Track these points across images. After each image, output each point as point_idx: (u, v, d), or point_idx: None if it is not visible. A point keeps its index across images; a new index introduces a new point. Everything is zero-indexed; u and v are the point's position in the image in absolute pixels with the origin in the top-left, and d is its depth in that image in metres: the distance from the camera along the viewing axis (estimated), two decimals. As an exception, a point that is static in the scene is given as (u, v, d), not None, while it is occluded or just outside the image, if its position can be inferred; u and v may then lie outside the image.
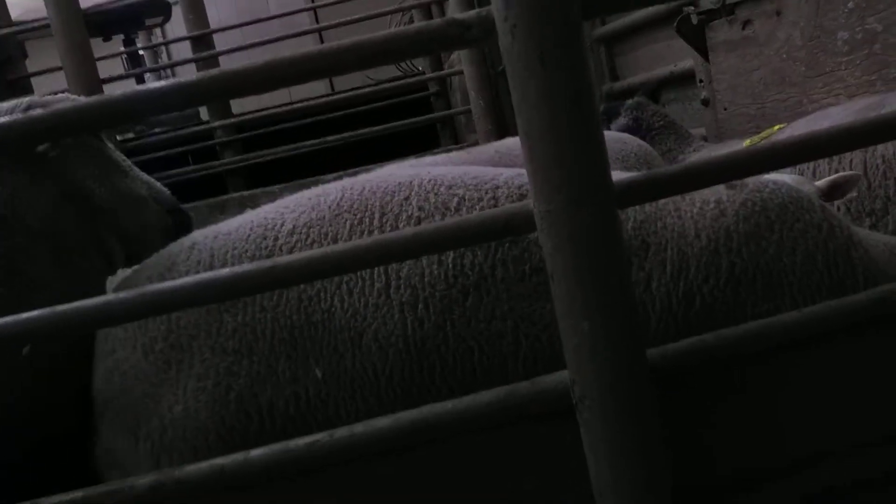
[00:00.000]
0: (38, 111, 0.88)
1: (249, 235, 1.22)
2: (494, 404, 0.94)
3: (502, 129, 4.15)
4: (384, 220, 1.19)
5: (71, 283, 1.34)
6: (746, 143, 2.40)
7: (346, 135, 4.69)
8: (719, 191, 1.17)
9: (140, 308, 0.93)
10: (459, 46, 0.96)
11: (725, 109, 3.01)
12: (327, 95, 5.48)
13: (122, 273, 1.33)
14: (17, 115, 0.88)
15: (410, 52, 0.93)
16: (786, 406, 1.03)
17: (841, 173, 1.54)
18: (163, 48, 7.80)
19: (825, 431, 1.04)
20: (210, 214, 4.00)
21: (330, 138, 4.70)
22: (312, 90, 6.37)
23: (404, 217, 1.19)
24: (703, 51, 3.08)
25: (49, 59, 4.32)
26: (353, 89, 5.33)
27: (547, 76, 0.81)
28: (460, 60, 4.33)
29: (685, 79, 3.50)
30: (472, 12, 0.87)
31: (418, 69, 6.33)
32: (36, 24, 4.50)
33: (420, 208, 1.19)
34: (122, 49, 5.72)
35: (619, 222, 0.87)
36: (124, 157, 1.63)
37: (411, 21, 5.83)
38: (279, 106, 5.06)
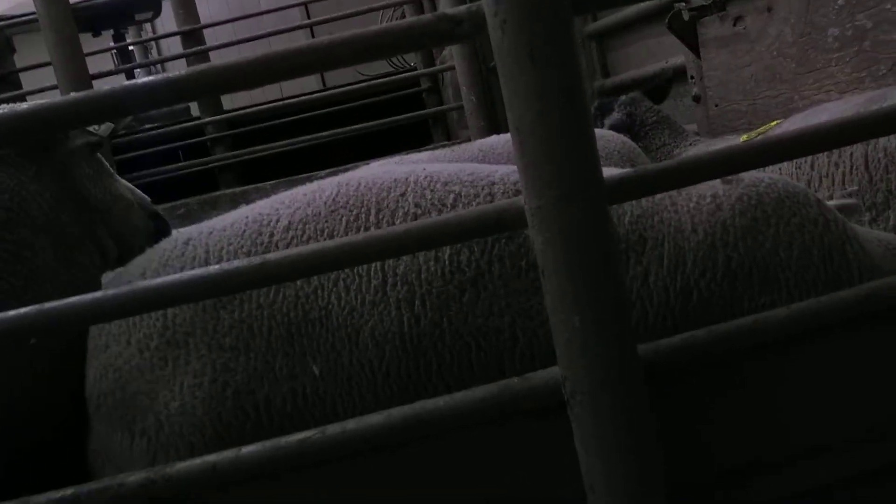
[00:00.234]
0: (22, 106, 0.88)
1: (245, 231, 1.21)
2: (486, 400, 0.94)
3: (494, 125, 4.15)
4: (380, 217, 1.18)
5: (72, 276, 1.35)
6: (743, 138, 2.41)
7: (337, 131, 4.68)
8: (715, 185, 1.18)
9: (130, 305, 0.92)
10: (450, 41, 0.96)
11: (716, 106, 3.02)
12: (319, 91, 5.46)
13: (108, 276, 1.32)
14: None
15: (401, 47, 0.93)
16: (780, 401, 1.03)
17: (841, 201, 1.51)
18: (153, 44, 7.76)
19: (819, 427, 1.04)
20: (201, 211, 3.99)
21: (321, 134, 4.70)
22: (304, 86, 6.35)
23: (401, 213, 1.18)
24: (694, 47, 3.08)
25: (38, 54, 4.29)
26: (344, 85, 5.32)
27: (537, 72, 0.81)
28: (452, 56, 4.32)
29: (676, 75, 3.50)
30: (463, 7, 0.87)
31: (410, 65, 6.32)
32: (24, 19, 4.47)
33: (416, 205, 1.19)
34: (112, 44, 5.69)
35: (609, 218, 0.87)
36: (106, 162, 1.65)
37: (403, 17, 5.82)
38: (270, 102, 5.05)
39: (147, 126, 5.07)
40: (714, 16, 2.90)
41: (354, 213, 1.19)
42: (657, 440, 0.92)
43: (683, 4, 2.99)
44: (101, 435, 1.20)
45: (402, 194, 1.20)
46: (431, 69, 5.27)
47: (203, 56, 4.88)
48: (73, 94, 0.87)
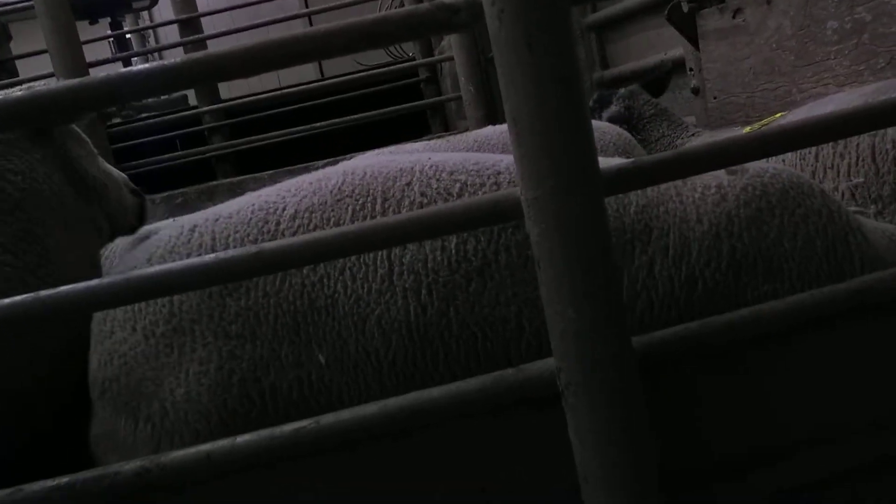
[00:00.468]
0: (20, 91, 0.87)
1: (251, 219, 1.21)
2: (481, 391, 0.94)
3: (493, 115, 4.14)
4: (386, 206, 1.18)
5: (76, 256, 1.38)
6: (746, 130, 2.40)
7: (335, 121, 4.67)
8: (720, 176, 1.18)
9: (125, 294, 0.92)
10: (447, 31, 0.95)
11: (715, 98, 3.02)
12: (317, 81, 5.44)
13: (109, 248, 1.35)
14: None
15: (398, 36, 0.92)
16: (775, 392, 1.04)
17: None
18: (150, 32, 7.72)
19: (814, 418, 1.05)
20: (199, 200, 3.98)
21: (319, 124, 4.68)
22: (302, 76, 6.33)
23: (406, 203, 1.18)
24: (693, 39, 3.08)
25: (34, 41, 4.26)
26: (342, 75, 5.31)
27: (535, 62, 0.81)
28: (451, 46, 4.31)
29: (675, 67, 3.50)
30: (461, -3, 0.86)
31: (409, 55, 6.30)
32: (21, 6, 4.44)
33: (423, 194, 1.19)
34: (109, 32, 5.66)
35: (605, 210, 0.87)
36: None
37: (401, 6, 5.80)
38: (268, 91, 5.03)
39: (144, 115, 5.05)
40: (713, 8, 2.90)
41: (360, 201, 1.19)
42: (651, 431, 0.92)
43: (683, -4, 2.98)
44: (104, 421, 1.20)
45: (408, 183, 1.20)
46: (430, 59, 5.26)
47: (200, 45, 4.86)
48: (69, 81, 0.87)
